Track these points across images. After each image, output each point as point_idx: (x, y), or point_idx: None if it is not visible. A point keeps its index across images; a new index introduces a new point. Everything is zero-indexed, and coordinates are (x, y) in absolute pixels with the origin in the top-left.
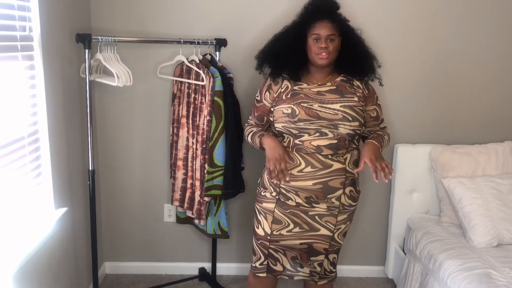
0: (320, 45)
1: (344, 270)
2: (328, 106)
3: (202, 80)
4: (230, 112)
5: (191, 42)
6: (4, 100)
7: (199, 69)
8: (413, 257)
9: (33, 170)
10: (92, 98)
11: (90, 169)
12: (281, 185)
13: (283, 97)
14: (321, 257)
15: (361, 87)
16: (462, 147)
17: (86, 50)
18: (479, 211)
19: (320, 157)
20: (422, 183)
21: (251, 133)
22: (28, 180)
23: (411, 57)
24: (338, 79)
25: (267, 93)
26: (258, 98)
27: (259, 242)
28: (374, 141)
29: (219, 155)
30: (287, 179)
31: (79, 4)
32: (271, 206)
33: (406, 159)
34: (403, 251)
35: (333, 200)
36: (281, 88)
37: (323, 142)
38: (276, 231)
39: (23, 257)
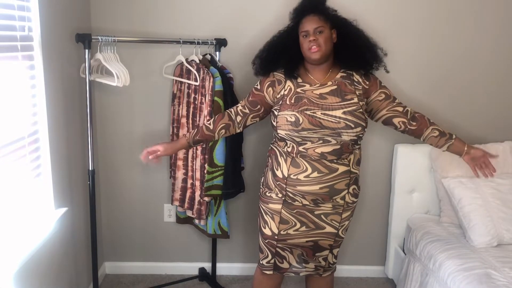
0: (309, 39)
1: (344, 270)
2: (330, 113)
3: (197, 81)
4: None
5: (191, 42)
6: (4, 100)
7: (198, 70)
8: (413, 257)
9: (33, 170)
10: (92, 98)
11: (90, 169)
12: (287, 189)
13: (287, 101)
14: (326, 252)
15: (361, 81)
16: None
17: (86, 50)
18: (479, 211)
19: (326, 162)
20: (422, 183)
21: (202, 127)
22: (28, 180)
23: (410, 56)
24: (338, 76)
25: (270, 89)
26: (259, 87)
27: (266, 241)
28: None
29: (219, 155)
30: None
31: (79, 4)
32: (277, 207)
33: (406, 159)
34: (403, 251)
35: (338, 199)
36: (285, 90)
37: (327, 149)
38: (283, 231)
39: (23, 257)
